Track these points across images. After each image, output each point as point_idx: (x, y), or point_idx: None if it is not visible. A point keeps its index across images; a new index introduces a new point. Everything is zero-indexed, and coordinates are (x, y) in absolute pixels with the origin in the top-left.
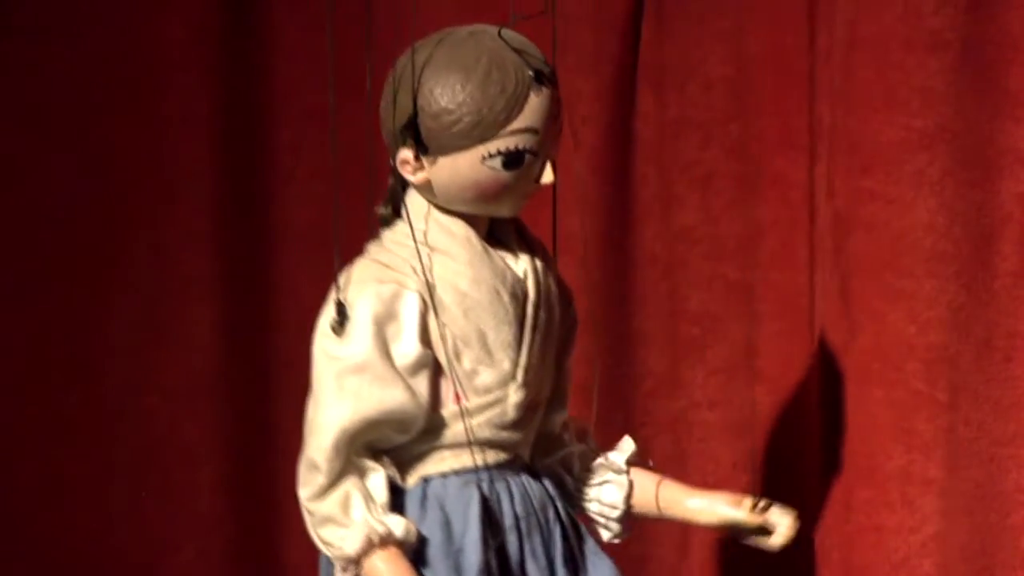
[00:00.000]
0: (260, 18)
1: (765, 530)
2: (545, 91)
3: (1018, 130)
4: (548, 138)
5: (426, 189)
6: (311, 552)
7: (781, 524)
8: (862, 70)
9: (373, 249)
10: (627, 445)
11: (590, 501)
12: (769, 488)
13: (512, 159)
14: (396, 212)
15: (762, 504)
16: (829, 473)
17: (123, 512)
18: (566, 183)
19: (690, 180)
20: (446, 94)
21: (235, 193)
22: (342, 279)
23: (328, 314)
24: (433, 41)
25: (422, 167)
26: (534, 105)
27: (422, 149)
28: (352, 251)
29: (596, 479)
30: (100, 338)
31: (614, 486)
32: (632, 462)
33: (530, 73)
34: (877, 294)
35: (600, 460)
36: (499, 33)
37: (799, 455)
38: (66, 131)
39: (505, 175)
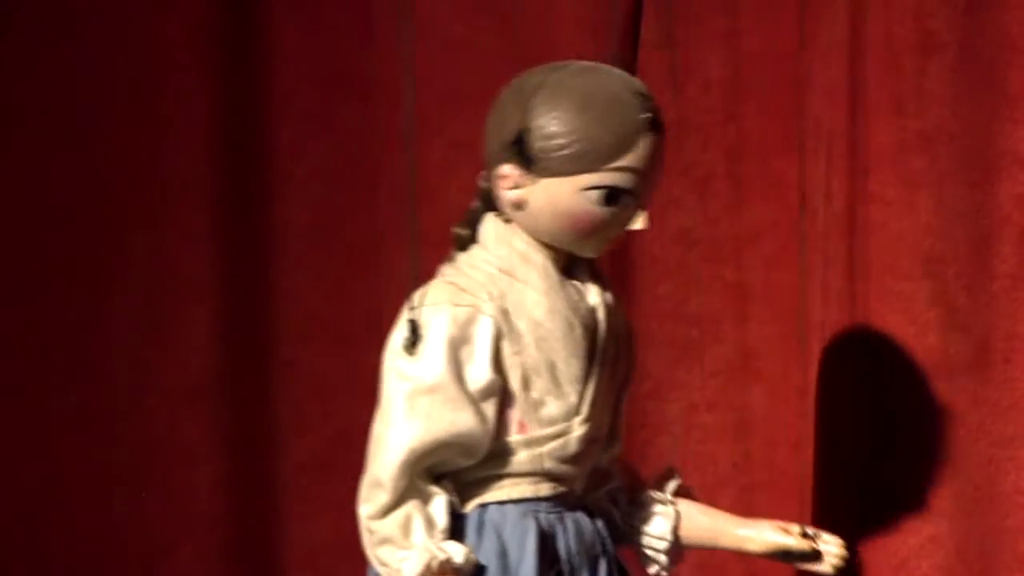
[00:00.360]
0: (259, 18)
1: (815, 556)
2: (655, 137)
3: (1016, 132)
4: (648, 184)
5: (518, 209)
6: (309, 552)
7: (831, 550)
8: (860, 72)
9: (448, 271)
10: (674, 476)
11: (638, 534)
12: (767, 490)
13: (611, 195)
14: (474, 235)
15: (810, 531)
16: (827, 475)
17: (122, 512)
18: None
19: (689, 181)
20: (562, 117)
21: (234, 193)
22: (416, 298)
23: (401, 332)
24: (551, 67)
25: (522, 185)
26: (643, 148)
27: (527, 166)
28: (351, 251)
29: (643, 512)
30: (99, 338)
31: (661, 518)
32: (678, 493)
33: (645, 116)
34: (876, 296)
35: (647, 492)
36: (620, 73)
37: (797, 457)
38: (65, 131)
39: (599, 211)
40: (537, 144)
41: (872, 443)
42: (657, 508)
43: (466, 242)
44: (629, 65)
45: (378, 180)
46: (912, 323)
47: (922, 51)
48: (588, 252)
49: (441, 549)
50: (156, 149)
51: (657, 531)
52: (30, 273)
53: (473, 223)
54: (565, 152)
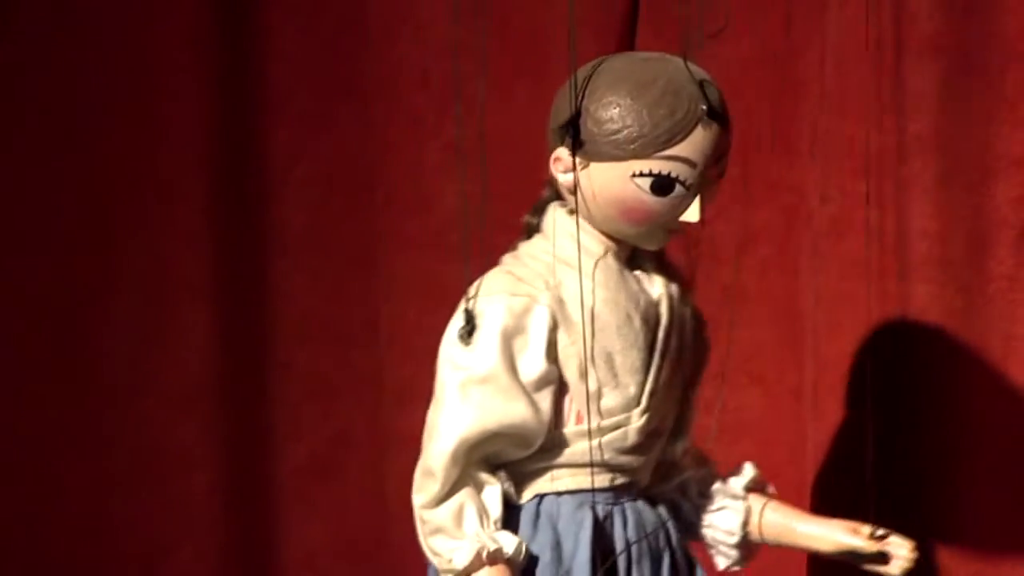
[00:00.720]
0: (258, 19)
1: (883, 557)
2: (715, 128)
3: (1013, 134)
4: (704, 176)
5: (571, 193)
6: (307, 554)
7: (900, 552)
8: (857, 74)
9: (508, 260)
10: (747, 471)
11: (707, 527)
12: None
13: (661, 184)
14: (540, 224)
15: (880, 532)
16: (824, 475)
17: (120, 514)
18: None
19: None
20: (615, 102)
21: (231, 195)
22: (473, 288)
23: (457, 322)
24: (616, 55)
25: (574, 168)
26: (698, 138)
27: (579, 149)
28: (348, 252)
29: (713, 505)
30: (96, 341)
31: (731, 512)
32: (751, 488)
33: (703, 107)
34: (872, 298)
35: (718, 486)
36: (685, 63)
37: (793, 458)
38: (64, 131)
39: (650, 199)
40: (590, 128)
41: (869, 445)
42: (728, 502)
43: (533, 230)
44: None
45: (376, 181)
46: (909, 326)
47: (919, 53)
48: (647, 244)
49: (493, 539)
50: (154, 150)
51: (726, 526)
52: (27, 274)
53: (542, 211)
54: (615, 137)
